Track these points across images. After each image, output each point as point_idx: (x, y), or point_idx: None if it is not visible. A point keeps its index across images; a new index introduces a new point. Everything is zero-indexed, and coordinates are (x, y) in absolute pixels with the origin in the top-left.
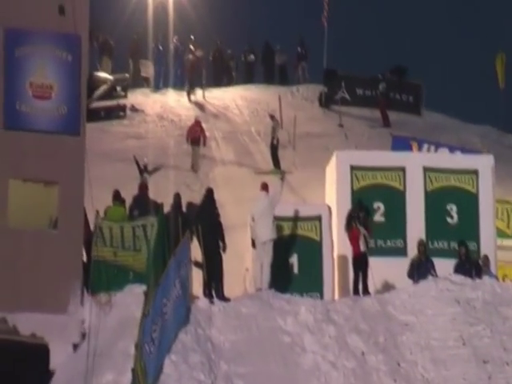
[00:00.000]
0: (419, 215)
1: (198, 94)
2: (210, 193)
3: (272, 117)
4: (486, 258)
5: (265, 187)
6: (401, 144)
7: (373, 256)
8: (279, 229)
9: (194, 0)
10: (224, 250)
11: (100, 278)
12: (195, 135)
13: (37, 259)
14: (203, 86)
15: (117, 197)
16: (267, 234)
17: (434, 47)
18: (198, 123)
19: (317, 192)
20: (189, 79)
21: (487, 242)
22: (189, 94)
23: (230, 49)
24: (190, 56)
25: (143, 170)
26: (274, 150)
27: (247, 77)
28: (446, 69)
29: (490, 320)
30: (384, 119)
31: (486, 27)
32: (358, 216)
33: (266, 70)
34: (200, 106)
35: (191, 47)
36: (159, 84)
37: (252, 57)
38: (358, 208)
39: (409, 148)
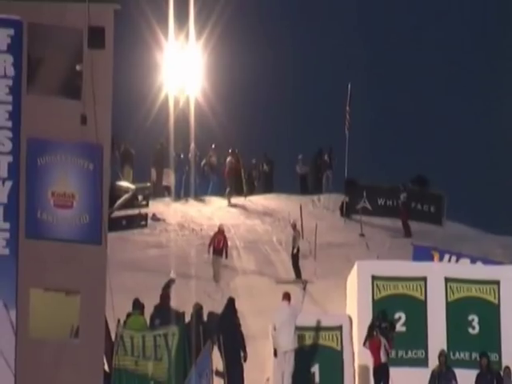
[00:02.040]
0: (440, 325)
1: (220, 202)
2: (231, 302)
3: (294, 226)
4: (508, 368)
5: (287, 297)
6: (422, 254)
7: (394, 366)
8: (301, 338)
9: (215, 109)
10: (245, 359)
11: None
12: (218, 245)
13: (58, 369)
14: (245, 192)
15: (136, 305)
16: (289, 343)
17: (456, 157)
18: (221, 232)
19: (338, 302)
20: (229, 183)
21: (509, 353)
22: (229, 198)
23: (253, 158)
24: (230, 158)
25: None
26: (295, 259)
27: (265, 187)
28: (467, 178)
29: None
30: (405, 229)
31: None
32: (380, 326)
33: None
34: (221, 215)
35: (230, 152)
36: (180, 193)
37: (266, 167)
38: (379, 318)
39: (430, 258)
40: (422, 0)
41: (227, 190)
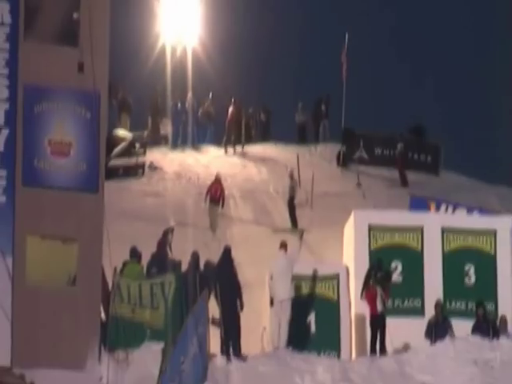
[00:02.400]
0: (437, 275)
1: (217, 151)
2: (227, 251)
3: (291, 175)
4: (504, 318)
5: (284, 246)
6: (419, 203)
7: (390, 316)
8: (297, 287)
9: (212, 58)
10: (241, 308)
11: (118, 335)
12: (215, 194)
13: (55, 316)
14: (242, 141)
15: (133, 253)
16: (285, 292)
17: (454, 107)
18: (218, 181)
19: (335, 251)
20: (228, 132)
21: (505, 303)
22: (226, 147)
23: (250, 107)
24: (231, 108)
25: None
26: (292, 208)
27: (263, 136)
28: (464, 129)
29: (508, 381)
30: (402, 179)
31: (505, 86)
32: (376, 275)
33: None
34: (218, 164)
35: (232, 101)
36: (177, 142)
37: (263, 116)
38: (375, 267)
39: (427, 208)
40: None
41: (224, 138)
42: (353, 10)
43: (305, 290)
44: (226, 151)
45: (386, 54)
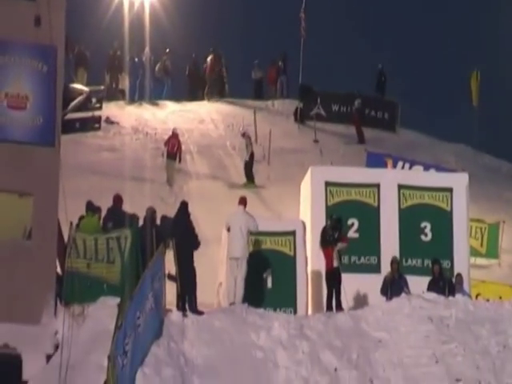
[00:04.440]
0: (393, 232)
1: (174, 106)
2: (184, 206)
3: (243, 134)
4: (460, 276)
5: (243, 202)
6: (375, 160)
7: (346, 272)
8: (254, 243)
9: (170, 12)
10: (196, 247)
11: (73, 290)
12: (172, 149)
13: (10, 270)
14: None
15: (90, 207)
16: (241, 250)
17: (409, 64)
18: (175, 136)
19: (291, 207)
20: (208, 82)
21: (461, 261)
22: (208, 97)
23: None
24: (209, 58)
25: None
26: (248, 165)
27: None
28: (421, 86)
29: (463, 338)
30: (359, 136)
31: (460, 44)
32: (333, 232)
33: (190, 84)
34: (175, 119)
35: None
36: (134, 96)
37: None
38: (332, 224)
39: (383, 165)
40: None
41: (206, 88)
42: None
43: (261, 245)
44: (208, 100)
45: (345, 12)
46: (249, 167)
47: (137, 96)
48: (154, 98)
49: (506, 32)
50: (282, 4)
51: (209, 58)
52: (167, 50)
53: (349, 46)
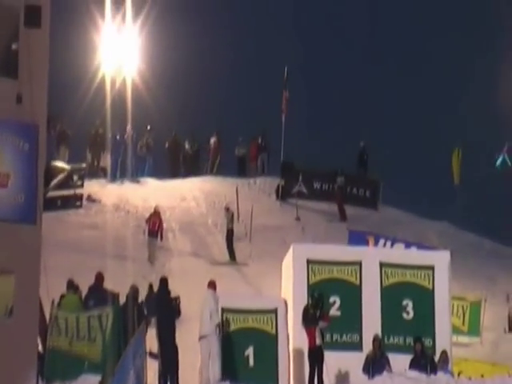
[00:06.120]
0: (375, 310)
1: (156, 183)
2: (164, 282)
3: (227, 208)
4: (445, 353)
5: (212, 285)
6: (357, 238)
7: (328, 350)
8: (235, 321)
9: (152, 90)
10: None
11: (55, 368)
12: (153, 226)
13: None
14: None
15: (70, 286)
16: (207, 329)
17: (392, 142)
18: (157, 214)
19: (273, 285)
20: (211, 162)
21: (443, 339)
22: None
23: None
24: (213, 140)
25: None
26: (229, 241)
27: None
28: (402, 163)
29: None
30: (341, 213)
31: (442, 122)
32: (314, 310)
33: (172, 161)
34: (157, 197)
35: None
36: (116, 174)
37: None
38: (313, 302)
39: (365, 242)
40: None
41: (208, 167)
42: (293, 44)
43: (243, 323)
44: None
45: (325, 88)
46: (230, 243)
47: (118, 174)
48: (136, 175)
49: (486, 109)
50: (265, 80)
51: (212, 141)
52: (149, 128)
53: (331, 122)
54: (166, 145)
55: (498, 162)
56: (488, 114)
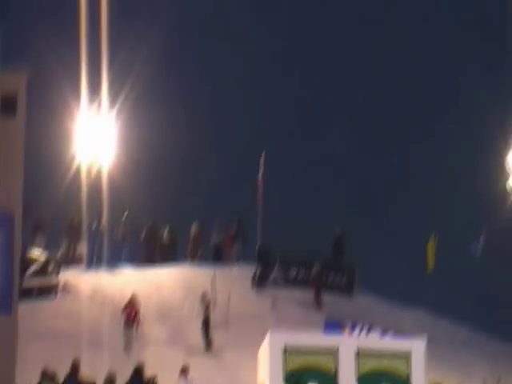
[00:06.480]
0: None
1: (132, 272)
2: (139, 371)
3: (203, 297)
4: None
5: (184, 371)
6: (333, 326)
7: None
8: None
9: (128, 178)
10: None
11: None
12: (130, 315)
13: None
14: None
15: (45, 375)
16: None
17: (367, 228)
18: (133, 303)
19: (250, 373)
20: (191, 252)
21: None
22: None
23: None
24: (193, 230)
25: None
26: (206, 329)
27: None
28: (379, 250)
29: None
30: (317, 300)
31: (416, 208)
32: None
33: (149, 249)
34: (133, 286)
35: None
36: (92, 262)
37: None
38: None
39: (341, 330)
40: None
41: (189, 255)
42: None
43: None
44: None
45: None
46: (206, 332)
47: (94, 261)
48: (112, 264)
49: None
50: (243, 165)
51: (193, 229)
52: (125, 215)
53: (308, 208)
54: (143, 233)
55: (476, 249)
56: (465, 200)
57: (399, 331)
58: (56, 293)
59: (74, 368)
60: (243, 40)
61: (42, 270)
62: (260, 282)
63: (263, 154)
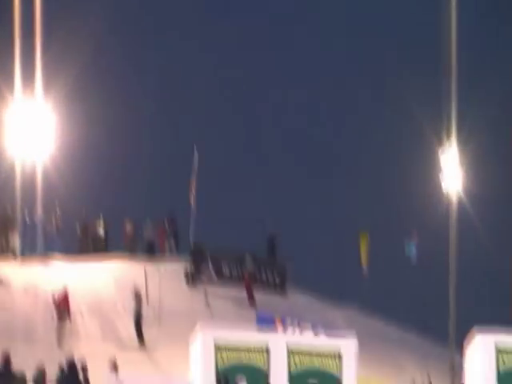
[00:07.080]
0: None
1: (65, 265)
2: (72, 366)
3: (135, 293)
4: None
5: (114, 367)
6: (265, 324)
7: None
8: None
9: (62, 171)
10: None
11: None
12: (62, 309)
13: None
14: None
15: None
16: None
17: (299, 227)
18: (65, 295)
19: (182, 369)
20: (125, 247)
21: None
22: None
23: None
24: (127, 225)
25: None
26: (138, 326)
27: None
28: (310, 248)
29: None
30: (249, 298)
31: (348, 205)
32: None
33: (82, 243)
34: (66, 279)
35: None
36: (25, 255)
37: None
38: None
39: (273, 328)
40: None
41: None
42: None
43: None
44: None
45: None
46: (139, 328)
47: (27, 255)
48: (45, 256)
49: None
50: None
51: (127, 225)
52: (57, 208)
53: (241, 205)
54: (77, 226)
55: (408, 249)
56: (399, 201)
57: (331, 329)
58: None
59: (6, 361)
60: (179, 35)
61: None
62: (193, 278)
63: (195, 151)
